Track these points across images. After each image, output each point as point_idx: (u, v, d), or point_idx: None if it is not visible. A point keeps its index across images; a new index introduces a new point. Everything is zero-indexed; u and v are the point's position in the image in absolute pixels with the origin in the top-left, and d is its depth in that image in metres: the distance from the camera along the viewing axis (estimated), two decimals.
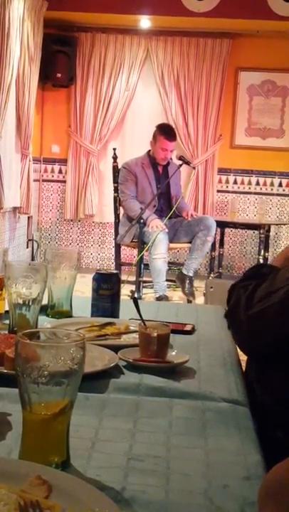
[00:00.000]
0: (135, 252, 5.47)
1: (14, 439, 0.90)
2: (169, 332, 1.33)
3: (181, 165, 5.55)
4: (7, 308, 1.48)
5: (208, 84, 6.89)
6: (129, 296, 4.97)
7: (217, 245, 6.45)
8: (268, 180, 7.10)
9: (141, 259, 5.20)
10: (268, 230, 6.40)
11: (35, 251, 7.05)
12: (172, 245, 5.37)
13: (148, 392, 1.15)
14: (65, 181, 7.21)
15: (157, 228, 5.09)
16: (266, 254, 6.25)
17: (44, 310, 1.63)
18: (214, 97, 6.90)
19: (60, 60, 6.75)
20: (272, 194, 7.11)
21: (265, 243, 6.18)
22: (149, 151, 5.52)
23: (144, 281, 5.31)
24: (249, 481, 0.84)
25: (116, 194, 5.59)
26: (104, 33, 6.92)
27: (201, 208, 6.99)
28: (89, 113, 7.04)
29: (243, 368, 1.40)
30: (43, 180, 7.26)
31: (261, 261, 6.04)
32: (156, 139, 5.42)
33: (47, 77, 6.73)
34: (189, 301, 5.27)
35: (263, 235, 6.09)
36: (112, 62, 6.96)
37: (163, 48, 6.91)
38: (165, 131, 5.43)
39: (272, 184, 7.11)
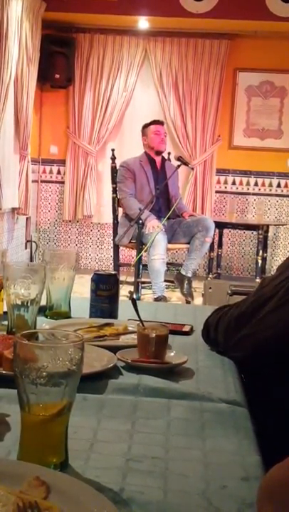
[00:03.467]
0: (134, 252, 5.47)
1: (13, 440, 0.90)
2: (167, 333, 1.33)
3: (179, 166, 5.56)
4: (5, 309, 1.48)
5: (206, 85, 6.90)
6: (127, 296, 4.97)
7: (216, 246, 6.45)
8: (267, 181, 7.11)
9: (139, 259, 5.20)
10: (267, 231, 6.40)
11: (33, 252, 7.05)
12: (171, 246, 5.37)
13: (146, 393, 1.15)
14: (63, 182, 7.22)
15: (154, 229, 5.09)
16: (264, 254, 6.26)
17: (42, 311, 1.63)
18: (212, 97, 6.91)
19: (58, 61, 6.75)
20: (271, 195, 7.12)
21: (263, 244, 6.18)
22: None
23: (143, 282, 5.31)
24: (247, 482, 0.84)
25: (114, 195, 5.59)
26: (103, 33, 6.92)
27: (199, 208, 6.99)
28: (87, 114, 7.04)
29: None
30: (42, 181, 7.26)
31: (260, 261, 6.04)
32: (145, 131, 5.55)
33: (45, 78, 6.73)
34: (188, 302, 5.27)
35: (261, 236, 6.09)
36: (111, 63, 6.96)
37: (161, 49, 6.91)
38: (151, 122, 5.60)
39: (270, 185, 7.11)
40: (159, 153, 5.53)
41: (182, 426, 1.03)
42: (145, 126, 5.56)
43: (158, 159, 5.56)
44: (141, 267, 5.23)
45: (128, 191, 5.40)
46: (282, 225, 7.02)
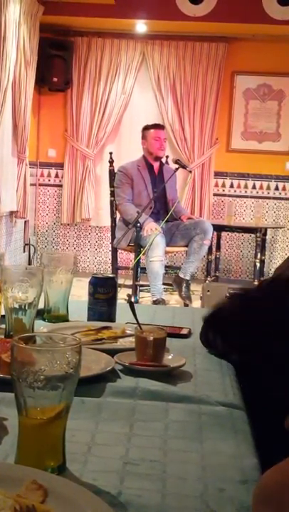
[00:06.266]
0: (132, 255, 5.47)
1: (10, 444, 0.90)
2: (165, 336, 1.33)
3: (177, 169, 5.56)
4: (3, 313, 1.48)
5: (204, 87, 6.91)
6: (125, 300, 4.97)
7: (214, 249, 6.46)
8: (265, 184, 7.11)
9: (138, 262, 5.20)
10: (265, 234, 6.42)
11: (31, 255, 7.04)
12: (169, 249, 5.36)
13: (144, 396, 1.15)
14: (61, 185, 7.22)
15: (152, 231, 5.09)
16: (263, 257, 6.26)
17: (40, 314, 1.63)
18: (210, 100, 6.91)
19: (56, 64, 6.75)
20: (269, 197, 7.12)
21: (261, 246, 6.19)
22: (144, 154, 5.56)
23: (141, 285, 5.31)
24: (245, 485, 0.84)
25: (112, 198, 5.59)
26: (101, 37, 6.93)
27: (197, 211, 6.99)
28: (85, 117, 7.05)
29: None
30: (40, 185, 7.26)
31: (258, 264, 6.05)
32: (145, 135, 5.51)
33: (43, 81, 6.74)
34: (186, 305, 5.27)
35: (259, 239, 6.10)
36: (108, 66, 6.97)
37: (159, 52, 6.92)
38: (152, 125, 5.58)
39: (268, 188, 7.12)
40: (157, 158, 5.53)
41: (180, 429, 1.03)
42: (145, 129, 5.54)
43: (156, 164, 5.56)
44: (139, 269, 5.23)
45: (125, 197, 5.40)
46: (280, 227, 7.03)
